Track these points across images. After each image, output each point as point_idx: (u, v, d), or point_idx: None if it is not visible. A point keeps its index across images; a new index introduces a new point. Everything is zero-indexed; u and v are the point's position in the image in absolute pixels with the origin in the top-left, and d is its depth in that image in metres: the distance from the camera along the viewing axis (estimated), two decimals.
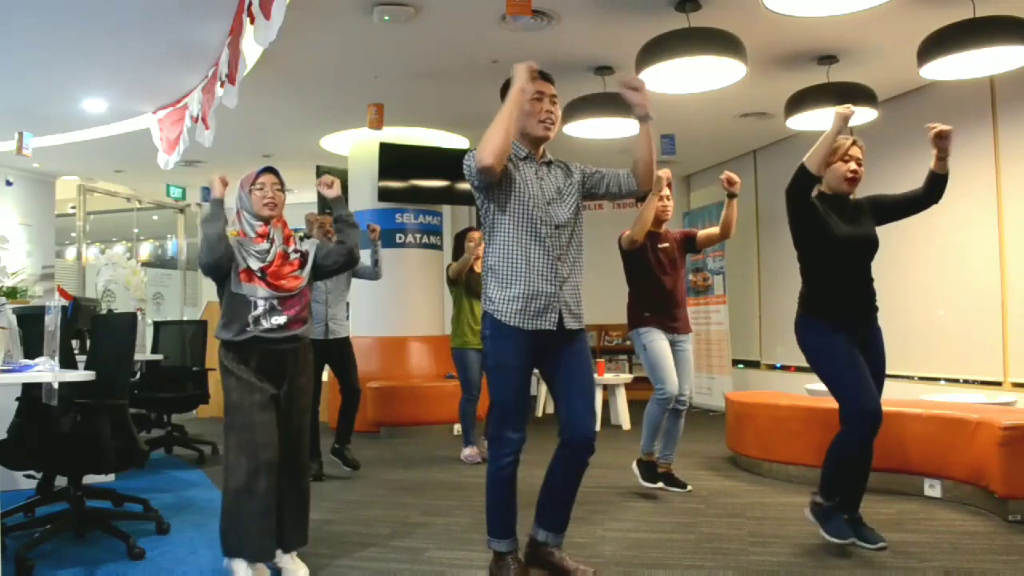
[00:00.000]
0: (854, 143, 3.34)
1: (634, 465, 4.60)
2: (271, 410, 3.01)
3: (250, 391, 2.99)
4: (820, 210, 3.28)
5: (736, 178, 4.26)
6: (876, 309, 3.38)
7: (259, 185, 3.11)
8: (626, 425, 7.49)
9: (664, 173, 4.11)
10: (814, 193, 3.29)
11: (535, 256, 2.83)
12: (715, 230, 4.60)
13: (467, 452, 5.75)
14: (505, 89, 2.91)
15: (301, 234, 3.81)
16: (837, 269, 3.30)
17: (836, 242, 3.27)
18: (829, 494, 3.32)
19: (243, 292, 3.03)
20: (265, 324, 3.01)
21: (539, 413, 8.42)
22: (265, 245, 3.09)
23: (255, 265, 3.05)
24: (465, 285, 5.66)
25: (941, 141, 3.27)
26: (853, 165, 3.29)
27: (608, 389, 7.84)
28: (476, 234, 5.54)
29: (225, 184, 3.18)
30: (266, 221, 3.13)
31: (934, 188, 3.38)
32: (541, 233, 2.84)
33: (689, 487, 4.55)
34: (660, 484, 4.52)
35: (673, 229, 4.68)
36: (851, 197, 3.41)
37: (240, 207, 3.17)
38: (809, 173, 3.19)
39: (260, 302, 3.02)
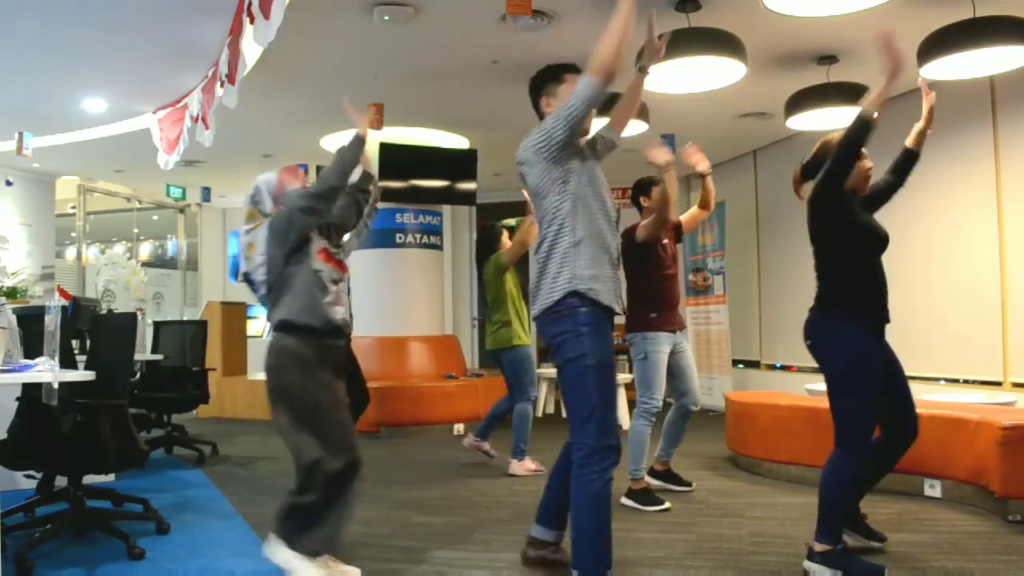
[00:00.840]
0: None
1: (625, 499, 4.17)
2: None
3: (332, 389, 2.96)
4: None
5: (695, 150, 4.19)
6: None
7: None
8: (625, 425, 7.48)
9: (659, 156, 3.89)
10: None
11: (609, 239, 2.74)
12: (695, 209, 4.57)
13: (520, 464, 5.24)
14: (537, 81, 2.90)
15: None
16: (871, 261, 3.12)
17: (871, 230, 3.11)
18: (839, 534, 2.98)
19: (322, 271, 2.98)
20: (337, 316, 3.00)
21: (539, 413, 8.42)
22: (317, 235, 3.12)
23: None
24: (516, 275, 5.41)
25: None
26: (868, 163, 3.18)
27: None
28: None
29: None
30: None
31: (906, 170, 3.30)
32: (612, 216, 2.78)
33: (693, 485, 4.54)
34: (665, 505, 4.15)
35: None
36: None
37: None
38: (869, 124, 2.89)
39: (331, 286, 3.01)
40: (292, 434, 2.90)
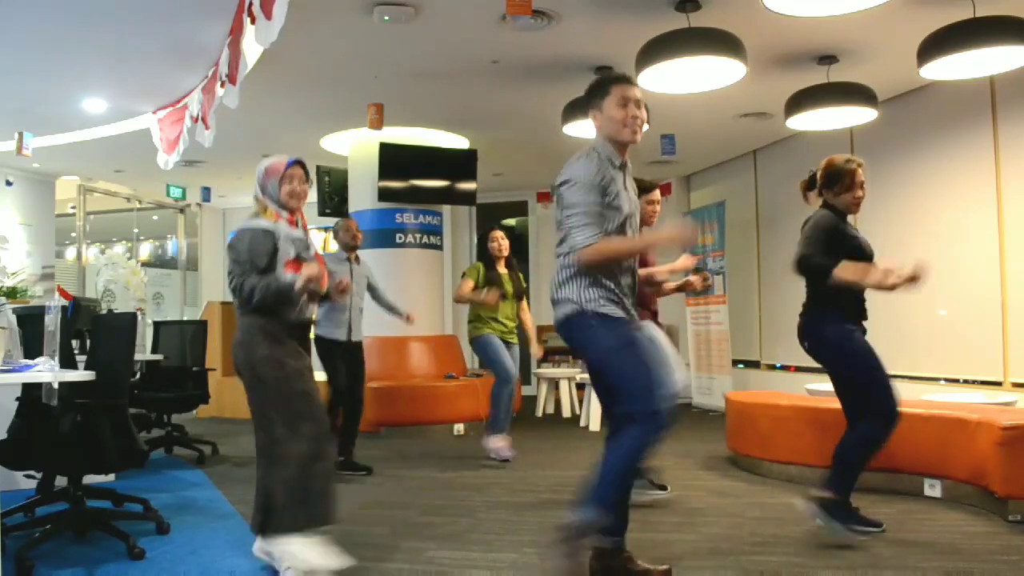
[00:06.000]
0: (860, 166, 3.47)
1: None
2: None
3: (298, 356, 3.16)
4: (847, 231, 3.44)
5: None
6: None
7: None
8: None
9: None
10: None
11: None
12: None
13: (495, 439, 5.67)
14: (587, 94, 3.03)
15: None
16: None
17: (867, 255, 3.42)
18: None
19: None
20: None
21: (539, 413, 8.44)
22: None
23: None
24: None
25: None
26: (860, 192, 3.46)
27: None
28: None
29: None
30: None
31: None
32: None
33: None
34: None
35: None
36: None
37: None
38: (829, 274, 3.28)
39: None
40: (274, 412, 3.12)
